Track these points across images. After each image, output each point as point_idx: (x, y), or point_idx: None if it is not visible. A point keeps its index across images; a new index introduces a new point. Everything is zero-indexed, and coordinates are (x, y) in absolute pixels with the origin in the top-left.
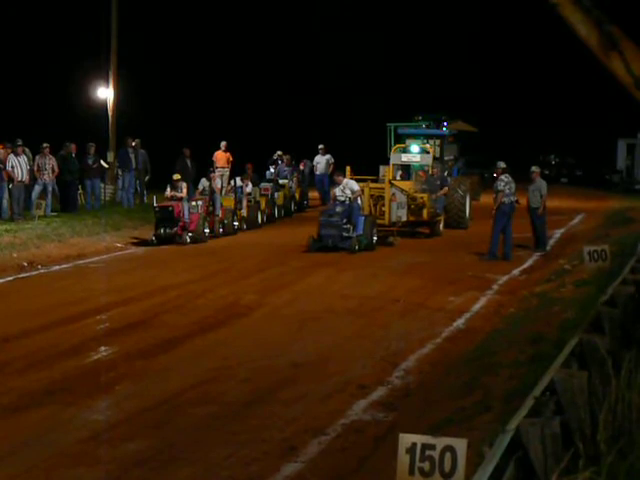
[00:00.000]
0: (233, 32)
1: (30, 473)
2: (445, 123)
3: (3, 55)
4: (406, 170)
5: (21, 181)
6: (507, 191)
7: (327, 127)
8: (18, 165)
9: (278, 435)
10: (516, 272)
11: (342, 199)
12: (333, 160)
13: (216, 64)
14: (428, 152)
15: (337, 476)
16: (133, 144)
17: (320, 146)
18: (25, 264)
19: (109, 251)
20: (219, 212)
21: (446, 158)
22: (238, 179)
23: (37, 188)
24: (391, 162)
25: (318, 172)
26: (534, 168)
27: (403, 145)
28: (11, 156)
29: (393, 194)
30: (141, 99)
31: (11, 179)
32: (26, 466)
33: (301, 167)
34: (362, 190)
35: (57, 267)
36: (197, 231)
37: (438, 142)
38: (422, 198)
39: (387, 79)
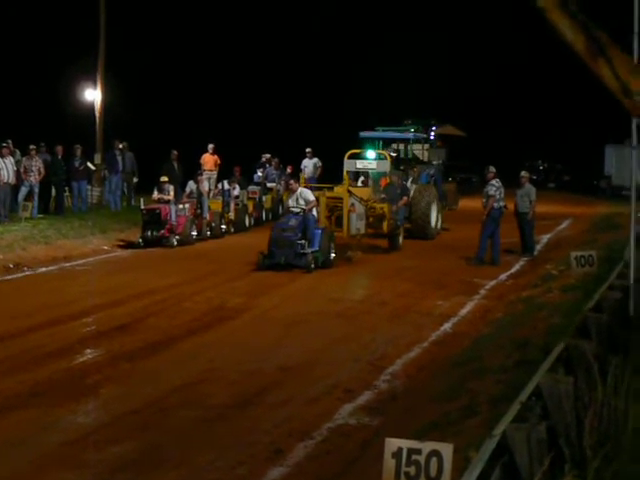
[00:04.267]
0: (220, 35)
1: (15, 475)
2: (434, 127)
3: None
4: (366, 175)
5: (7, 182)
6: (497, 196)
7: (315, 131)
8: (4, 166)
9: (264, 438)
10: (503, 277)
11: (296, 210)
12: (321, 164)
13: (204, 67)
14: (385, 158)
15: None
16: (120, 146)
17: (308, 149)
18: (11, 266)
19: (96, 253)
20: (206, 215)
21: (435, 162)
22: (226, 182)
23: (23, 190)
24: (345, 169)
25: (306, 176)
26: (523, 173)
27: (358, 151)
28: None
29: (352, 204)
30: (129, 101)
31: None
32: (11, 468)
33: (288, 170)
34: (317, 200)
35: (43, 269)
36: (184, 234)
37: (427, 146)
38: (382, 209)
39: (379, 82)
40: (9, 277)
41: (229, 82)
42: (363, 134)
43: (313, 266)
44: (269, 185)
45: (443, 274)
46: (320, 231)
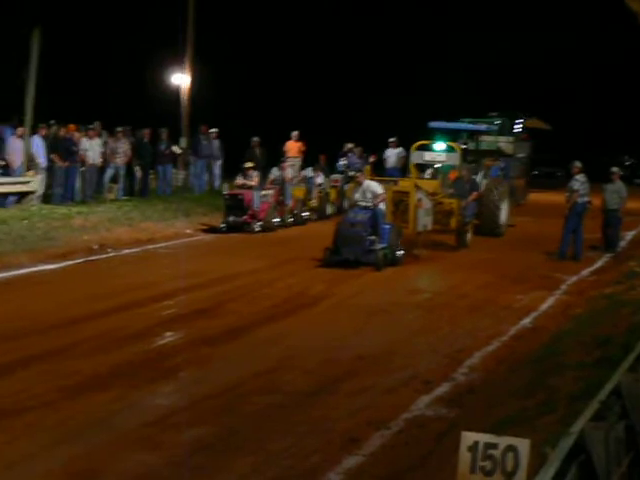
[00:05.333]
0: (309, 20)
1: (93, 455)
2: (519, 120)
3: (83, 39)
4: (435, 169)
5: (93, 164)
6: (582, 191)
7: (400, 121)
8: (91, 148)
9: (340, 427)
10: (585, 273)
11: (364, 204)
12: (405, 153)
13: (291, 54)
14: (455, 150)
15: (398, 470)
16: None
17: (391, 139)
18: (95, 247)
19: (178, 237)
20: (289, 202)
21: (519, 156)
22: (309, 169)
23: (109, 171)
24: (412, 161)
25: (388, 166)
26: (615, 169)
27: (426, 142)
28: (84, 139)
29: (419, 199)
30: (216, 86)
31: (83, 162)
32: (89, 448)
33: (371, 159)
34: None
35: (126, 251)
36: (266, 220)
37: (512, 139)
38: (451, 204)
39: (466, 75)
40: (93, 258)
41: (317, 70)
42: (432, 124)
43: (382, 263)
44: (351, 174)
45: (524, 268)
46: (389, 227)
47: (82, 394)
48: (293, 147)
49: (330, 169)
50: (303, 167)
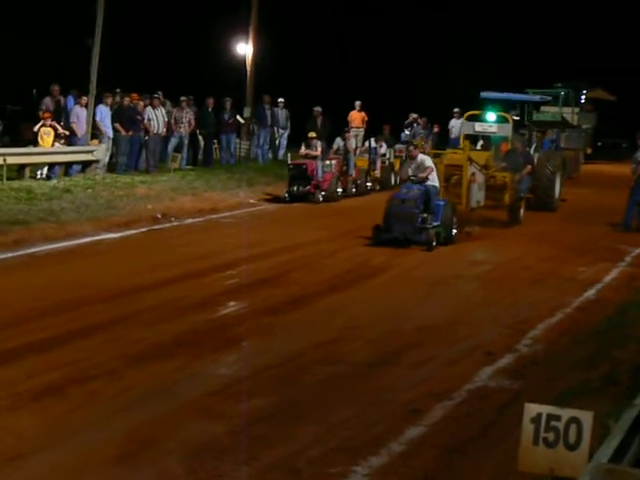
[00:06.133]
0: None
1: (155, 423)
2: (584, 91)
3: (147, 8)
4: (487, 140)
5: (157, 133)
6: None
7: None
8: (155, 117)
9: (402, 398)
10: None
11: (417, 180)
12: None
13: (356, 23)
14: (507, 121)
15: (460, 441)
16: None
17: (455, 109)
18: (159, 216)
19: (242, 206)
20: (352, 172)
21: (584, 127)
22: (373, 140)
23: (173, 141)
24: (462, 132)
25: (453, 136)
26: None
27: (477, 112)
28: (148, 108)
29: (472, 174)
30: (279, 56)
31: (147, 131)
32: (151, 416)
33: (435, 130)
34: (436, 167)
35: (190, 220)
36: (330, 190)
37: (576, 110)
38: (504, 178)
39: (530, 45)
40: (157, 227)
41: (380, 40)
42: (484, 94)
43: (435, 243)
44: (416, 144)
45: (588, 240)
46: (443, 203)
47: (145, 363)
48: (357, 117)
49: (395, 139)
50: (366, 137)
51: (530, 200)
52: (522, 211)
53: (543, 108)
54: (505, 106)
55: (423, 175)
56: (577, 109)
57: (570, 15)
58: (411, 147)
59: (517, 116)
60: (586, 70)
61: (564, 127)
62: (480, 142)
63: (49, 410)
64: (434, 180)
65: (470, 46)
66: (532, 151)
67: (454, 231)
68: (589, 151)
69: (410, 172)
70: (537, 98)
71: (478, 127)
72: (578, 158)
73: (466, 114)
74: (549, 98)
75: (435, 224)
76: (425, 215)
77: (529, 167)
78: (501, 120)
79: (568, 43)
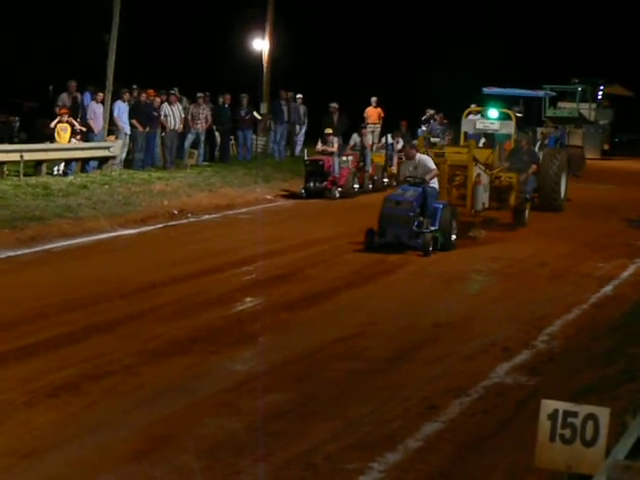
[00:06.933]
0: None
1: (171, 420)
2: (601, 87)
3: (163, 5)
4: (490, 138)
5: (174, 129)
6: None
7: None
8: (171, 114)
9: (419, 394)
10: None
11: (414, 181)
12: None
13: (372, 19)
14: (510, 118)
15: (477, 438)
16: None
17: (472, 106)
18: (175, 212)
19: (259, 202)
20: (369, 168)
21: (601, 123)
22: (389, 136)
23: (190, 137)
24: (462, 129)
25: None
26: None
27: (478, 108)
28: (165, 105)
29: (477, 175)
30: (296, 52)
31: (164, 127)
32: (167, 412)
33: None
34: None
35: (206, 216)
36: (346, 186)
37: (594, 106)
38: (510, 178)
39: (546, 40)
40: (173, 223)
41: (396, 36)
42: (486, 90)
43: (431, 249)
44: (433, 140)
45: (605, 235)
46: (442, 206)
47: (161, 359)
48: (373, 113)
49: (411, 135)
50: (383, 133)
51: (534, 200)
52: (527, 212)
53: (560, 104)
54: (508, 102)
55: (427, 177)
56: (594, 105)
57: (588, 10)
58: (407, 147)
59: (520, 113)
60: (603, 66)
61: (581, 123)
62: (482, 140)
63: (65, 406)
64: (433, 181)
65: (487, 42)
66: (536, 149)
67: (453, 236)
68: (606, 147)
69: (408, 172)
70: (541, 94)
71: (479, 124)
72: (583, 155)
73: (466, 110)
74: (554, 94)
75: (432, 228)
76: (421, 218)
77: (534, 166)
78: (504, 117)
79: (585, 38)
